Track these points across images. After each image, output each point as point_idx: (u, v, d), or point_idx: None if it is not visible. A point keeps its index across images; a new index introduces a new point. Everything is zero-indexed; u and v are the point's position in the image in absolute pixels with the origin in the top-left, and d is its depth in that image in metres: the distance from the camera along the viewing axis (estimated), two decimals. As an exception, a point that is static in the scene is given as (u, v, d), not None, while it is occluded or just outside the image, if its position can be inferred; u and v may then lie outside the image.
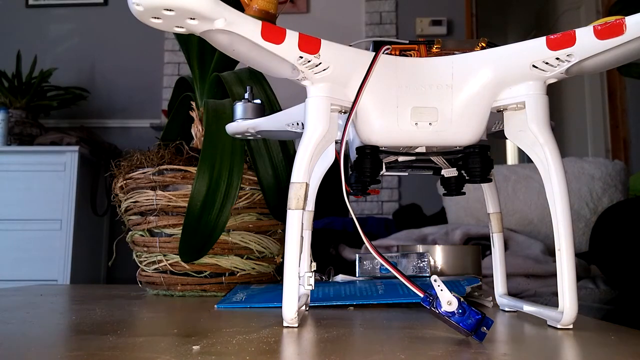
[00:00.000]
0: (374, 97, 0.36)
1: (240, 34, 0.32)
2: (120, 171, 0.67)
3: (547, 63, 0.34)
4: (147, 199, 0.64)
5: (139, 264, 0.68)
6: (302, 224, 0.35)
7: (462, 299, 0.31)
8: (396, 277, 0.33)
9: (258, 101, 0.51)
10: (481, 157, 0.37)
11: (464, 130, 0.37)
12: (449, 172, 0.41)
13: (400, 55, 0.38)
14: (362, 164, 0.37)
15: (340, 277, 0.60)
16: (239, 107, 0.51)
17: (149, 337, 0.33)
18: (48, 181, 2.24)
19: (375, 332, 0.36)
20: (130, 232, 0.68)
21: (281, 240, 0.68)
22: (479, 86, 0.36)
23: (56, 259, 2.19)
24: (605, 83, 2.65)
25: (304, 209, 0.35)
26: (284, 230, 0.37)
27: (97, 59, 2.80)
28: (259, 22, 0.32)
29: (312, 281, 0.38)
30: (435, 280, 0.31)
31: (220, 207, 0.61)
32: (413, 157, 0.40)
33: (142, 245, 0.66)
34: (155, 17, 0.30)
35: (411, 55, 0.38)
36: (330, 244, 1.68)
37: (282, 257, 0.40)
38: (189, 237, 0.61)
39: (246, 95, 0.51)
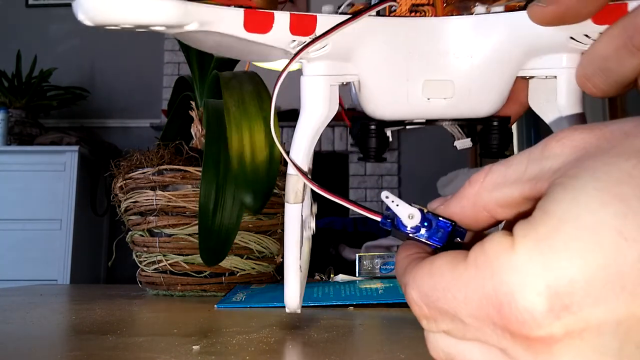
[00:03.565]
0: (379, 68, 0.32)
1: (219, 32, 0.28)
2: (120, 171, 0.67)
3: (587, 36, 0.30)
4: (146, 199, 0.64)
5: (138, 264, 0.68)
6: (302, 216, 0.33)
7: (425, 210, 0.25)
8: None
9: None
10: (500, 131, 0.33)
11: (483, 101, 0.32)
12: (463, 143, 0.36)
13: (410, 14, 0.32)
14: (366, 144, 0.33)
15: (340, 277, 0.60)
16: None
17: (149, 337, 0.33)
18: (48, 181, 2.25)
19: (375, 332, 0.36)
20: (130, 232, 0.68)
21: (281, 240, 0.68)
22: (505, 54, 0.31)
23: (56, 259, 2.19)
24: (605, 83, 2.65)
25: (302, 202, 0.33)
26: (283, 230, 0.36)
27: (97, 59, 2.80)
28: (241, 12, 0.28)
29: (312, 225, 0.35)
30: (387, 197, 0.25)
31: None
32: (422, 125, 0.35)
33: (141, 246, 0.66)
34: (110, 26, 0.27)
35: (424, 14, 0.32)
36: (330, 244, 1.69)
37: (282, 257, 0.39)
38: (207, 239, 0.59)
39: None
